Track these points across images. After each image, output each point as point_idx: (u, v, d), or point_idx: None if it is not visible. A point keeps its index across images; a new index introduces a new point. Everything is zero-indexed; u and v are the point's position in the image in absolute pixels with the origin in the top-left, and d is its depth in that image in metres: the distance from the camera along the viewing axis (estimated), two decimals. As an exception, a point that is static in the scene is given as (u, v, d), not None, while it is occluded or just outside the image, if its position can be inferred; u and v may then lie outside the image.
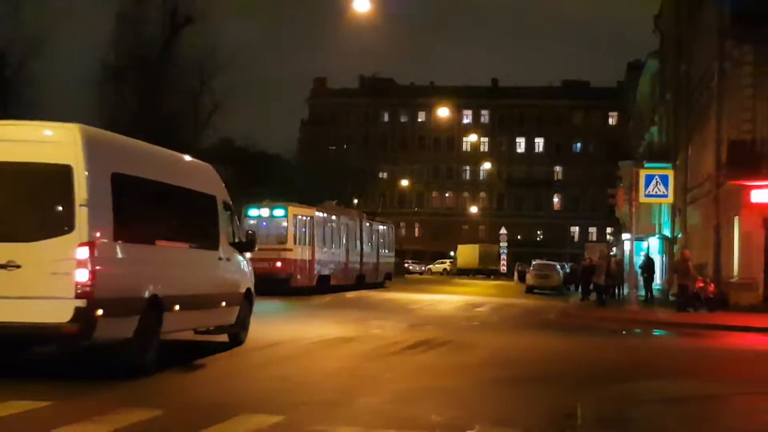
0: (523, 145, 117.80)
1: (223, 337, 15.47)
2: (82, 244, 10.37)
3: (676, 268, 33.03)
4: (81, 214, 10.40)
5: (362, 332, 19.54)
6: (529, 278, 50.18)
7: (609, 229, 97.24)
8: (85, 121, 11.64)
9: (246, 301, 15.45)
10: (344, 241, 41.07)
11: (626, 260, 41.70)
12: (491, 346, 17.83)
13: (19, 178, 10.72)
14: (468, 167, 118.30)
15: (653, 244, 48.45)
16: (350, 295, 37.24)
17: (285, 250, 33.59)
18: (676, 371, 14.70)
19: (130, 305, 11.31)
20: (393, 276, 50.90)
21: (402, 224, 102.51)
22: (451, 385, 12.03)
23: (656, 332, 23.86)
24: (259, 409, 9.53)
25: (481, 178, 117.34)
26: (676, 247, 41.82)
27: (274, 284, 31.10)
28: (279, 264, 32.46)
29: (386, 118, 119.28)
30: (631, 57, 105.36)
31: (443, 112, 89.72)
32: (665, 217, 47.41)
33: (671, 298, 35.60)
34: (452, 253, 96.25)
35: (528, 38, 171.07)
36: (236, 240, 15.19)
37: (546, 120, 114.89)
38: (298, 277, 34.50)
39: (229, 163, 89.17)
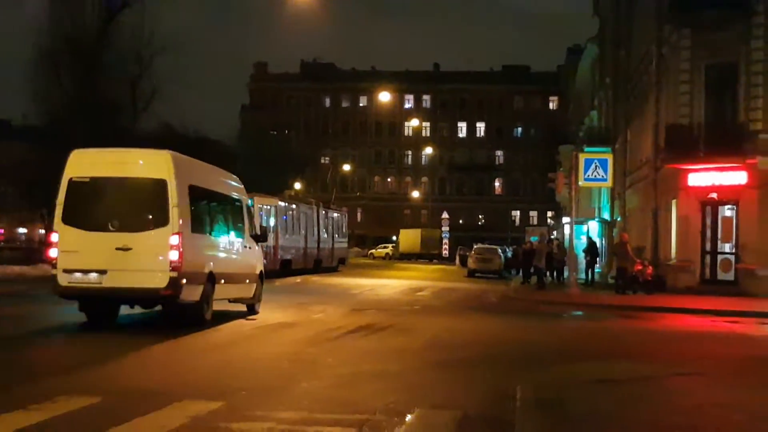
0: (464, 129, 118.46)
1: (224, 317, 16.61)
2: (174, 234, 14.88)
3: (615, 251, 33.47)
4: (173, 213, 14.99)
5: (304, 317, 19.57)
6: (471, 262, 50.52)
7: (550, 213, 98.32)
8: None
9: (259, 280, 19.81)
10: (303, 229, 44.03)
11: (566, 244, 42.13)
12: (432, 329, 17.92)
13: (131, 188, 15.27)
14: (410, 152, 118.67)
15: (593, 227, 49.07)
16: (302, 279, 38.43)
17: None
18: (614, 353, 14.92)
19: (199, 277, 15.80)
20: (346, 260, 54.25)
21: (344, 209, 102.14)
22: (392, 369, 12.08)
23: (595, 315, 24.16)
24: (199, 396, 9.48)
25: (423, 162, 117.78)
26: (615, 231, 42.40)
27: None
28: None
29: (328, 103, 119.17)
30: (571, 41, 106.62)
31: (385, 97, 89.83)
32: (605, 201, 48.03)
33: (610, 281, 36.08)
34: (394, 238, 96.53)
35: (468, 22, 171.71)
36: (254, 232, 19.72)
37: (487, 105, 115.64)
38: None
39: (168, 148, 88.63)
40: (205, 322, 16.24)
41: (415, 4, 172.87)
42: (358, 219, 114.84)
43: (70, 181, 15.42)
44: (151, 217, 15.17)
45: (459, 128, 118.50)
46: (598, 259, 40.36)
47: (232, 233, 18.37)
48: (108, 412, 8.64)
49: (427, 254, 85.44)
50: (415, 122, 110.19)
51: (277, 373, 11.36)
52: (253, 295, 19.52)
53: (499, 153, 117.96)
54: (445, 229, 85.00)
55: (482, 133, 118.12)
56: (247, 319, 18.19)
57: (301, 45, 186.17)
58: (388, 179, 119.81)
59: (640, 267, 31.91)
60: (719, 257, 32.58)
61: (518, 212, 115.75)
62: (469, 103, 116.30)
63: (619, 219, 43.03)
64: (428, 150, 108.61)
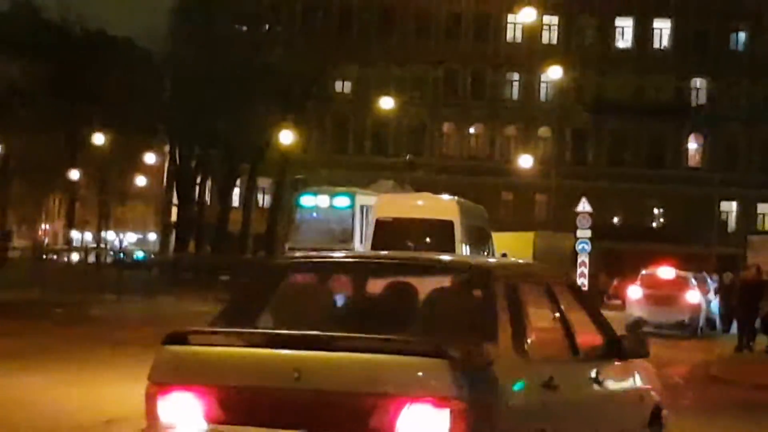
0: (627, 33, 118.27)
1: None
2: None
3: None
4: (459, 247, 37.67)
5: None
6: (636, 303, 50.43)
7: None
8: None
9: None
10: None
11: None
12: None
13: (425, 226, 38.87)
14: (516, 76, 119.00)
15: None
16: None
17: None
18: None
19: None
20: None
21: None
22: None
23: None
24: None
25: (541, 98, 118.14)
26: None
27: None
28: None
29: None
30: None
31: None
32: None
33: None
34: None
35: None
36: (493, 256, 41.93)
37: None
38: None
39: (32, 52, 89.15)
40: None
41: None
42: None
43: (377, 221, 38.05)
44: (442, 246, 34.01)
45: (617, 31, 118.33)
46: None
47: (484, 257, 36.64)
48: None
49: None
50: (528, 15, 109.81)
51: None
52: None
53: (697, 83, 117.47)
54: (584, 233, 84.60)
55: (664, 42, 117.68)
56: None
57: None
58: (470, 130, 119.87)
59: None
60: None
61: (733, 204, 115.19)
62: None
63: None
64: (553, 72, 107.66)
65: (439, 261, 11.86)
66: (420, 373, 8.77)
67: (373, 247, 36.36)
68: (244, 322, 10.49)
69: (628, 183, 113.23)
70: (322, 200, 56.63)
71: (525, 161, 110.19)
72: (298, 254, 35.03)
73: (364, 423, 8.85)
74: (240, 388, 9.20)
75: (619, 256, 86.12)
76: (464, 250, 36.50)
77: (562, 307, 10.44)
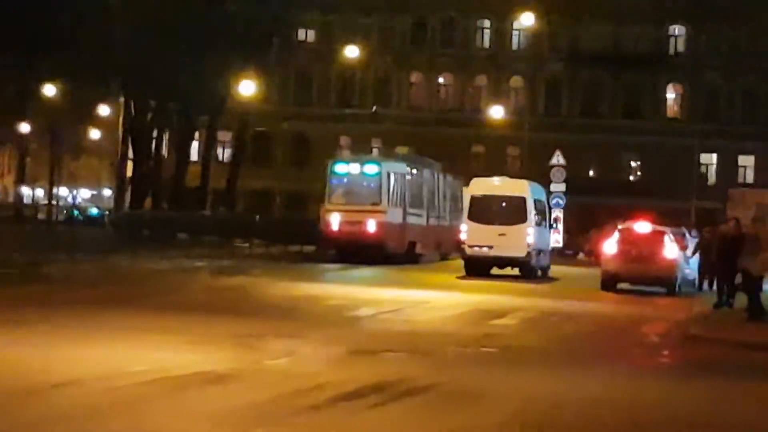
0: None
1: None
2: (529, 227, 58.47)
3: None
4: (529, 216, 58.80)
5: (249, 363, 20.13)
6: (611, 260, 50.48)
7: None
8: None
9: (550, 254, 65.76)
10: (427, 201, 74.19)
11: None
12: (518, 396, 18.25)
13: (506, 201, 59.55)
14: (488, 23, 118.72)
15: None
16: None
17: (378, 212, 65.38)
18: None
19: (538, 250, 60.26)
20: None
21: (346, 139, 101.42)
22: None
23: None
24: None
25: (513, 47, 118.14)
26: None
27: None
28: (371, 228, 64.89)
29: None
30: None
31: None
32: None
33: None
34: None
35: None
36: (549, 222, 67.33)
37: None
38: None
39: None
40: (538, 278, 57.54)
41: None
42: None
43: (472, 197, 59.18)
44: (517, 217, 56.55)
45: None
46: None
47: (544, 224, 61.33)
48: None
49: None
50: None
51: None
52: (548, 265, 62.18)
53: (675, 30, 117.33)
54: (558, 187, 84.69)
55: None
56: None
57: None
58: (439, 80, 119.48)
59: None
60: None
61: (713, 156, 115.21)
62: None
63: None
64: (525, 19, 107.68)
65: None
66: None
67: (470, 215, 57.37)
68: None
69: (603, 135, 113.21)
70: (353, 167, 66.09)
71: (496, 112, 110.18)
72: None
73: None
74: None
75: (594, 211, 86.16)
76: (532, 217, 56.08)
77: None
